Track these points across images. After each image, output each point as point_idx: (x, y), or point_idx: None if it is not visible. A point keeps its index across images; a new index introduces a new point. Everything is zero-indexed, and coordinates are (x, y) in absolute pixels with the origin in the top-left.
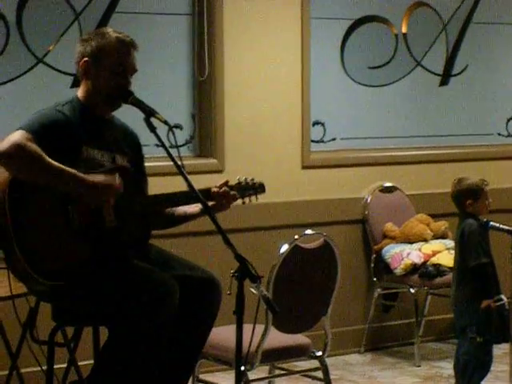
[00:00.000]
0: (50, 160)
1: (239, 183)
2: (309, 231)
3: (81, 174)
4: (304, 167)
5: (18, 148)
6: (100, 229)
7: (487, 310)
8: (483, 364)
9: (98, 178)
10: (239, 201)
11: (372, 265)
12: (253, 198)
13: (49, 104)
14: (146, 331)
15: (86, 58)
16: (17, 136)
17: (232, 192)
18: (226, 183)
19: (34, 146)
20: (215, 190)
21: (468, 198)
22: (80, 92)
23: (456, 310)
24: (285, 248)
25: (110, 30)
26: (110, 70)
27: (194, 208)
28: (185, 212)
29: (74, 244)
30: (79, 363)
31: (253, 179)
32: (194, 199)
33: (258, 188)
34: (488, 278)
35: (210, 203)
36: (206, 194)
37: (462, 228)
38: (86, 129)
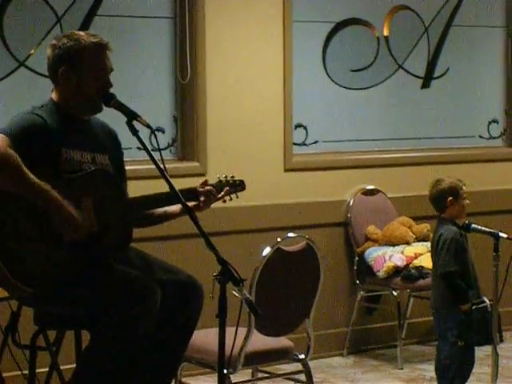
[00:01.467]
0: (31, 175)
1: (220, 181)
2: (291, 234)
3: (58, 201)
4: (286, 170)
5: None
6: None
7: (467, 314)
8: (465, 367)
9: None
10: (221, 202)
11: (355, 267)
12: (233, 195)
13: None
14: (127, 335)
15: (63, 67)
16: None
17: (214, 190)
18: (205, 182)
19: (15, 157)
20: (200, 189)
21: (449, 196)
22: (56, 95)
23: (436, 314)
24: (267, 251)
25: (83, 34)
26: (92, 75)
27: (174, 207)
28: (165, 211)
29: (53, 250)
30: (61, 367)
31: (233, 177)
32: (176, 201)
33: (238, 185)
34: (457, 285)
35: (191, 203)
36: (191, 193)
37: (439, 234)
38: (64, 131)
